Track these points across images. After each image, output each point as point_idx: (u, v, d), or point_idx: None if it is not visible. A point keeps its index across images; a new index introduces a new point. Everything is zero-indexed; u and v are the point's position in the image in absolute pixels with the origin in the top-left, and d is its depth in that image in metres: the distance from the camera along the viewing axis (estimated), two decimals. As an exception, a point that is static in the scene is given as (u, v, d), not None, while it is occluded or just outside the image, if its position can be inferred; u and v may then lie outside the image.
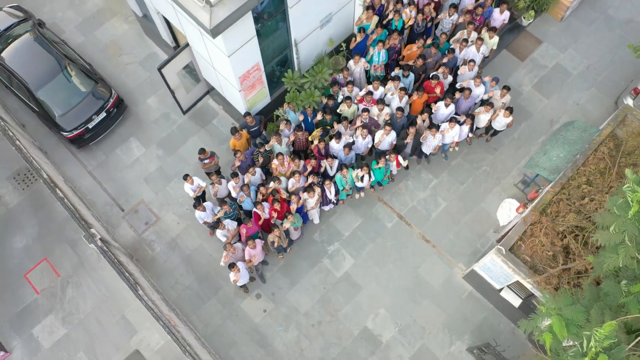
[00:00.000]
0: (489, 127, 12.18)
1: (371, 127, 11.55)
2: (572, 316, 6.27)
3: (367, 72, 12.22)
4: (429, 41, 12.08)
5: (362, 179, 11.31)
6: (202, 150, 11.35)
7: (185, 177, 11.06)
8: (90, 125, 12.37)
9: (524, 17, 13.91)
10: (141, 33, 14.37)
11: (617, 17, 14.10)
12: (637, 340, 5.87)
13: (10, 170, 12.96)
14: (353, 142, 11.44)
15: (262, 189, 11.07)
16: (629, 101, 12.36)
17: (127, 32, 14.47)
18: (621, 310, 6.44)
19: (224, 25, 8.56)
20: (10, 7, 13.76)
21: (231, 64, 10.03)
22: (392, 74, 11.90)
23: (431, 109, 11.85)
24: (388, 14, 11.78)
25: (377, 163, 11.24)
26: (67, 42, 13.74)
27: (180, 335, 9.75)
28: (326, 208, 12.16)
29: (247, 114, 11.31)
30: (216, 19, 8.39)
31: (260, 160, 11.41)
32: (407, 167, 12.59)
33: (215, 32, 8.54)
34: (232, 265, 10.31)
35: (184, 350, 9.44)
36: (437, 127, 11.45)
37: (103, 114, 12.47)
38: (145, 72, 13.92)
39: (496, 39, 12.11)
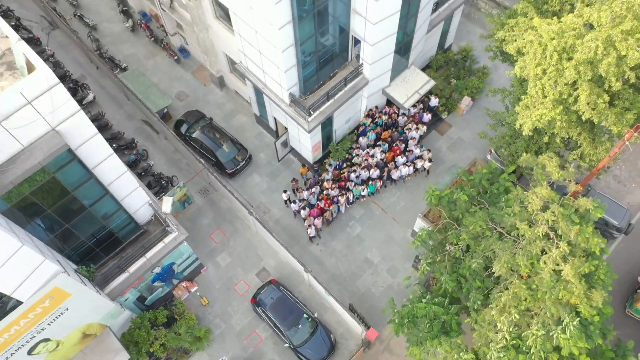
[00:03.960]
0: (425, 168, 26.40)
1: (369, 167, 25.77)
2: (426, 235, 20.10)
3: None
4: (394, 129, 26.53)
5: (363, 190, 25.45)
6: (293, 179, 25.63)
7: (285, 191, 25.24)
8: (238, 167, 26.66)
9: (443, 114, 28.38)
10: (254, 121, 28.82)
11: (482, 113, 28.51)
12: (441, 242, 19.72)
13: (198, 187, 27.11)
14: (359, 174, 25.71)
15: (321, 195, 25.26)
16: (489, 155, 26.56)
17: (246, 121, 28.95)
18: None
19: (312, 129, 22.95)
20: (192, 110, 28.34)
21: (310, 141, 24.36)
22: (378, 143, 26.28)
23: (395, 159, 26.14)
24: (375, 118, 26.29)
25: (370, 183, 25.43)
26: (222, 128, 28.12)
27: (292, 255, 23.64)
28: (348, 205, 26.26)
29: (315, 162, 25.67)
30: (310, 127, 22.79)
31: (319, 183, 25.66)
32: (385, 186, 26.72)
33: (309, 131, 22.93)
34: (309, 226, 24.35)
35: (298, 260, 23.31)
36: (397, 167, 25.74)
37: (244, 162, 26.80)
38: (257, 141, 28.31)
39: (425, 127, 26.56)
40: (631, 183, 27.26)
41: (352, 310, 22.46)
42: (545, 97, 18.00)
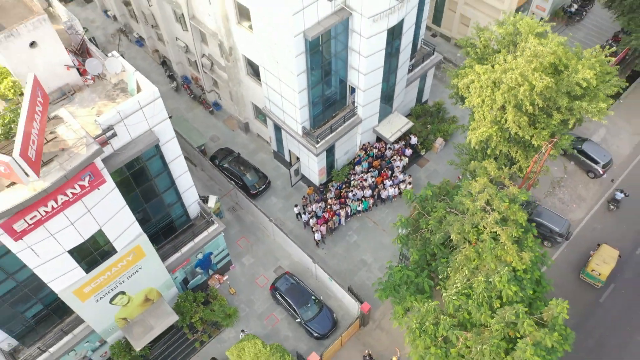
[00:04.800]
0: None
1: (362, 188, 32.85)
2: (404, 220, 26.82)
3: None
4: (382, 160, 33.94)
5: (359, 206, 32.38)
6: (303, 197, 32.68)
7: (296, 205, 32.23)
8: (260, 190, 33.80)
9: (421, 151, 35.88)
10: (272, 158, 36.31)
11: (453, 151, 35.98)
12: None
13: (227, 206, 34.04)
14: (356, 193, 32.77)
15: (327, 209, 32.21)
16: (458, 181, 33.62)
17: (266, 157, 36.45)
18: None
19: (319, 153, 30.36)
20: (224, 147, 35.95)
21: (317, 165, 31.66)
22: (370, 170, 33.58)
23: (383, 182, 33.28)
24: (368, 150, 33.79)
25: (364, 200, 32.42)
26: (247, 160, 35.52)
27: (303, 250, 30.11)
28: (347, 219, 33.02)
29: (320, 185, 32.83)
30: (318, 151, 30.20)
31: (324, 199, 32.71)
32: (376, 205, 33.63)
33: (317, 155, 30.32)
34: (316, 231, 31.05)
35: (307, 254, 29.79)
36: (385, 188, 32.84)
37: (264, 186, 33.97)
38: (274, 172, 35.63)
39: (407, 159, 33.97)
40: (572, 204, 34.17)
41: (350, 291, 28.60)
42: (485, 119, 25.57)
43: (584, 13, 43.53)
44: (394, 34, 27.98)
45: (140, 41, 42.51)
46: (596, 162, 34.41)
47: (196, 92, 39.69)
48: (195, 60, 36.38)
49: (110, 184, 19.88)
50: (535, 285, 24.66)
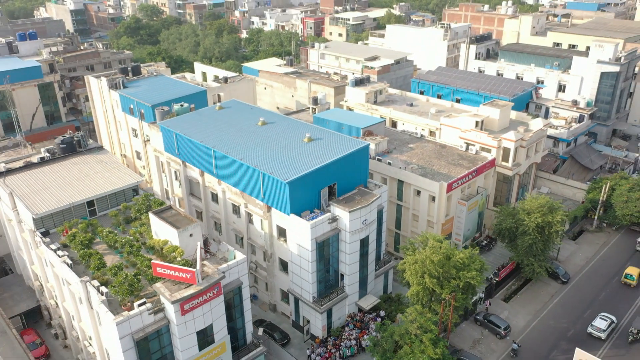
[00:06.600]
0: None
1: (349, 339, 51.65)
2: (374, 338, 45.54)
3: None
4: (362, 323, 53.57)
5: (348, 350, 50.77)
6: (311, 344, 51.34)
7: (308, 348, 50.65)
8: (284, 342, 52.39)
9: (386, 322, 55.48)
10: (291, 326, 55.54)
11: (412, 323, 55.54)
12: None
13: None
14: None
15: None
16: (411, 338, 52.58)
17: (287, 326, 55.69)
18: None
19: (323, 311, 50.44)
20: (260, 319, 55.65)
21: (321, 322, 51.22)
22: (354, 329, 52.90)
23: (363, 336, 52.27)
24: (353, 317, 53.67)
25: (351, 346, 51.02)
26: (276, 325, 54.75)
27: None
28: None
29: (323, 337, 51.85)
30: (322, 310, 50.34)
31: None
32: (359, 352, 51.79)
33: (321, 313, 50.34)
34: (320, 363, 49.08)
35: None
36: (363, 339, 51.80)
37: (286, 340, 52.65)
38: (293, 334, 54.46)
39: (378, 324, 53.65)
40: (487, 355, 52.45)
41: (342, 394, 45.32)
42: (414, 283, 47.12)
43: (491, 245, 67.99)
44: (364, 242, 51.37)
45: (205, 259, 65.67)
46: (499, 327, 53.94)
47: (242, 289, 61.02)
48: (245, 266, 58.83)
49: (222, 297, 40.41)
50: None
